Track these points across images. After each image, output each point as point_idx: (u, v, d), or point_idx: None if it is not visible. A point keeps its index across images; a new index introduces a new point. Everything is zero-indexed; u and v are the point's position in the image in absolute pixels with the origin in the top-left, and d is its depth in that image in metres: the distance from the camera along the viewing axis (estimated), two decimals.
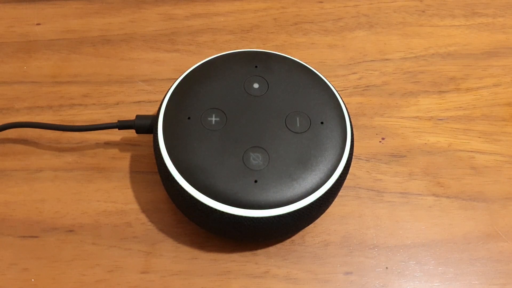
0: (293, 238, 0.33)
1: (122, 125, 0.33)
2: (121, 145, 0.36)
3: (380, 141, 0.37)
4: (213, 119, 0.31)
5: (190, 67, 0.33)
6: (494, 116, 0.38)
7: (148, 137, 0.34)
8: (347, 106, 0.33)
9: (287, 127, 0.31)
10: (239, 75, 0.33)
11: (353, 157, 0.32)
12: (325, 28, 0.42)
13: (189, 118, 0.31)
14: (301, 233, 0.33)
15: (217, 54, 0.34)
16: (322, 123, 0.31)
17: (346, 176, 0.31)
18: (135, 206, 0.33)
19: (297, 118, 0.31)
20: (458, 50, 0.41)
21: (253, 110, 0.31)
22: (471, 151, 0.36)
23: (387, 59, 0.41)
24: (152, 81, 0.39)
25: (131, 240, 0.32)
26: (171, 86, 0.33)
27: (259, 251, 0.32)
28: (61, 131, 0.35)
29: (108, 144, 0.36)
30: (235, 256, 0.32)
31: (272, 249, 0.32)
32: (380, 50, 0.41)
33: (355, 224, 0.33)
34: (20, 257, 0.31)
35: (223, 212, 0.29)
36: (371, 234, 0.33)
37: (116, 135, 0.36)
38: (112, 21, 0.42)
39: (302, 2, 0.44)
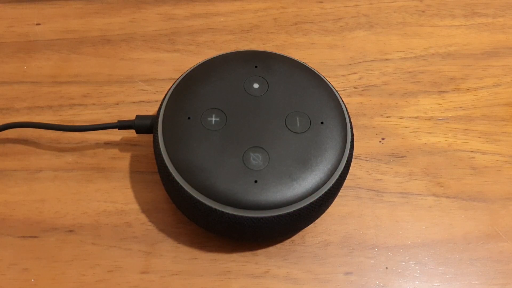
0: (293, 238, 0.33)
1: (122, 125, 0.33)
2: (121, 145, 0.36)
3: (380, 141, 0.37)
4: (213, 119, 0.31)
5: (190, 67, 0.33)
6: (494, 116, 0.38)
7: (148, 137, 0.34)
8: (347, 106, 0.33)
9: (287, 127, 0.31)
10: (239, 75, 0.33)
11: (353, 157, 0.32)
12: (325, 28, 0.42)
13: (189, 118, 0.31)
14: (301, 233, 0.33)
15: (217, 54, 0.34)
16: (322, 123, 0.31)
17: (346, 176, 0.31)
18: (135, 206, 0.33)
19: (297, 118, 0.31)
20: (458, 50, 0.41)
21: (253, 110, 0.31)
22: (471, 151, 0.36)
23: (387, 59, 0.41)
24: (152, 81, 0.39)
25: (131, 240, 0.32)
26: (171, 86, 0.33)
27: (259, 251, 0.32)
28: (61, 131, 0.35)
29: (108, 144, 0.35)
30: (235, 256, 0.32)
31: (272, 249, 0.32)
32: (380, 50, 0.41)
33: (355, 224, 0.33)
34: (20, 257, 0.31)
35: (223, 212, 0.29)
36: (371, 234, 0.33)
37: (116, 135, 0.36)
38: (112, 21, 0.42)
39: (302, 2, 0.44)
